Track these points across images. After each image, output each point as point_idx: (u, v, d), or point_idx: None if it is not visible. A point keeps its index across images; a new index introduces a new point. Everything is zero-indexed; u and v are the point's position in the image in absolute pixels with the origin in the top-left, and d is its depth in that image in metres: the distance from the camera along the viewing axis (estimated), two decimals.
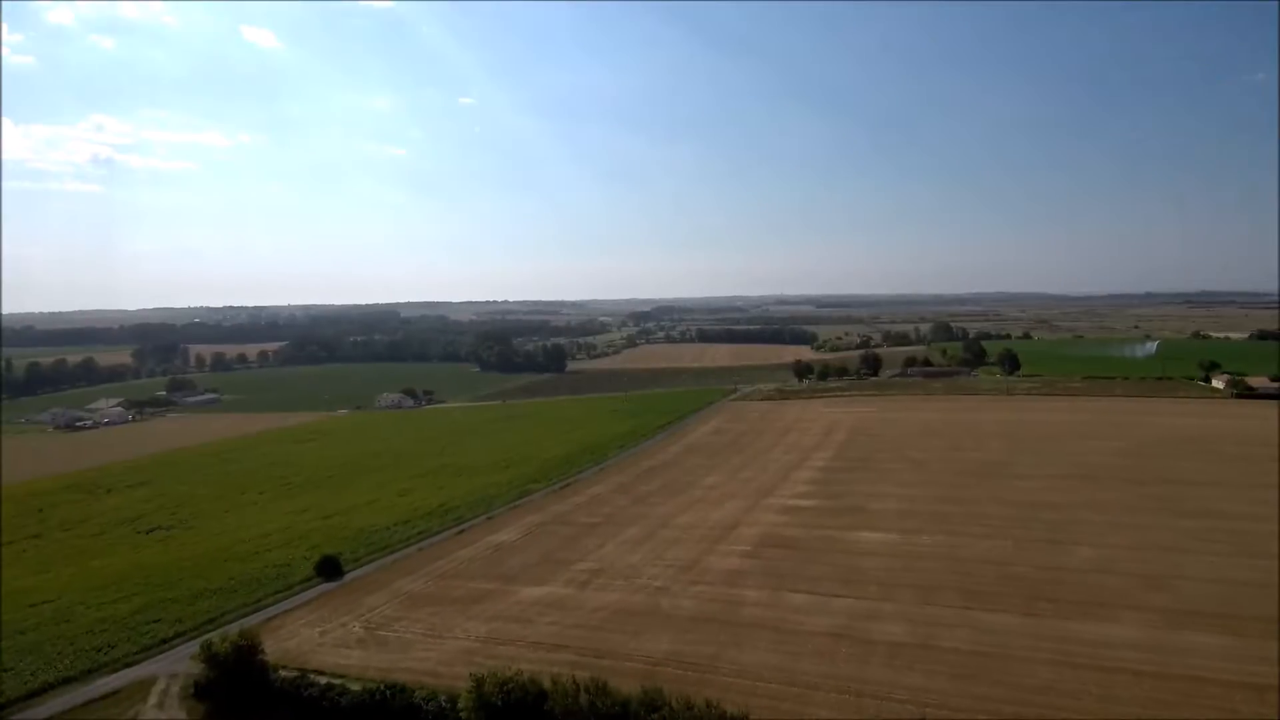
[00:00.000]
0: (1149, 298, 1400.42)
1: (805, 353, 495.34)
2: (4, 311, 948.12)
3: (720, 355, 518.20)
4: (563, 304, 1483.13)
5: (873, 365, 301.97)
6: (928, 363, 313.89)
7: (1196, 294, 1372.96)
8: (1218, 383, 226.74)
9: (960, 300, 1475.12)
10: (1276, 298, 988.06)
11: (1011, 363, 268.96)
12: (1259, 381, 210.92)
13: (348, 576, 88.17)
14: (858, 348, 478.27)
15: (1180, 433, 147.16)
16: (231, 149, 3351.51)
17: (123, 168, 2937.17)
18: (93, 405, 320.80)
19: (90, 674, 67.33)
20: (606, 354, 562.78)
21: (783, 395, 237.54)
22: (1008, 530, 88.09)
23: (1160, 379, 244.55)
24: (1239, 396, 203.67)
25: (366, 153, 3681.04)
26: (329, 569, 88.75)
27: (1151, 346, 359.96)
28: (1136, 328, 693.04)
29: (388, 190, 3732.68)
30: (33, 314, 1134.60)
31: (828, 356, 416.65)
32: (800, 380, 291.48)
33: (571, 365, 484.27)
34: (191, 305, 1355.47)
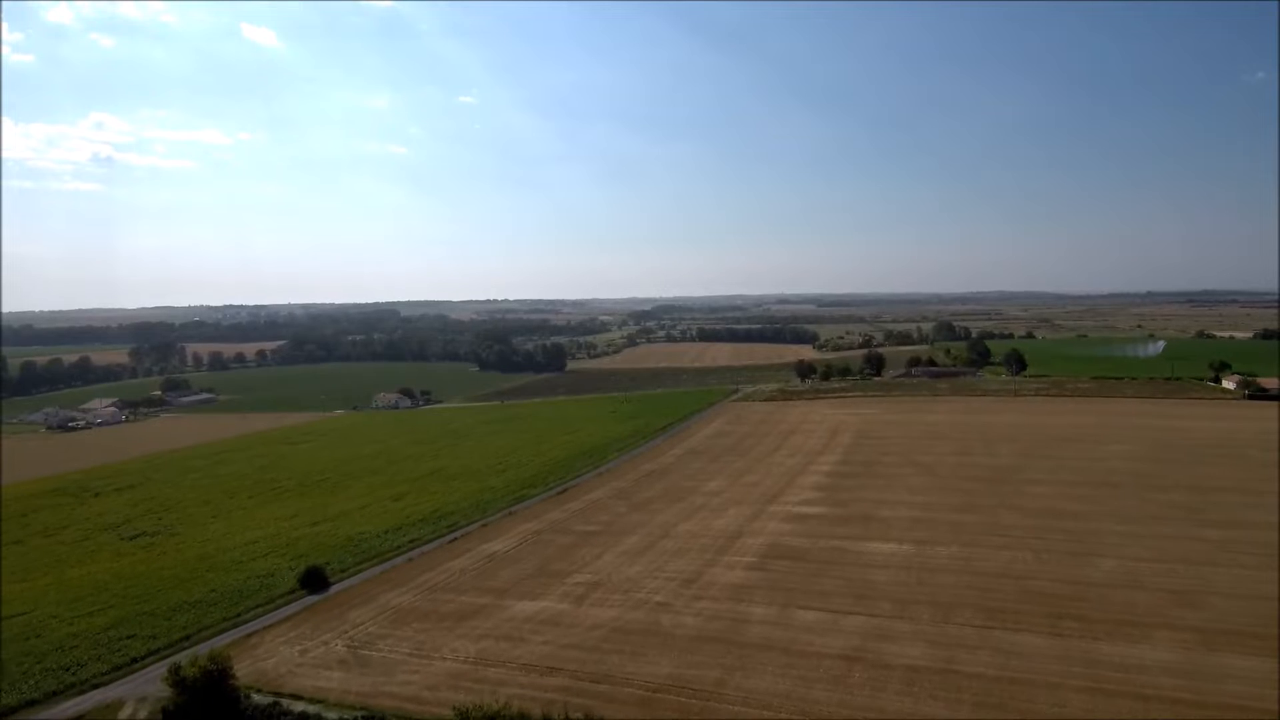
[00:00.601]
0: (1150, 296, 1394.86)
1: (807, 352, 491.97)
2: (4, 310, 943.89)
3: (721, 354, 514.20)
4: (563, 302, 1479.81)
5: (876, 365, 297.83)
6: (932, 363, 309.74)
7: (1198, 293, 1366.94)
8: (1229, 383, 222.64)
9: (961, 299, 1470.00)
10: (1277, 296, 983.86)
11: (1017, 363, 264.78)
12: (1271, 383, 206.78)
13: (333, 588, 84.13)
14: (860, 347, 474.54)
15: (1196, 436, 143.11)
16: (232, 147, 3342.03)
17: (123, 166, 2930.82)
18: (86, 405, 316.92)
19: (54, 696, 63.24)
20: (606, 353, 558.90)
21: (785, 396, 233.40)
22: (1026, 541, 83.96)
23: (1169, 379, 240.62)
24: (1251, 398, 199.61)
25: (366, 151, 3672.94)
26: (314, 580, 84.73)
27: (1158, 346, 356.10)
28: (1140, 327, 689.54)
29: (388, 188, 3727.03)
30: (32, 313, 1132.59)
31: (830, 356, 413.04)
32: (803, 380, 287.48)
33: (571, 365, 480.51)
34: (191, 304, 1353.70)
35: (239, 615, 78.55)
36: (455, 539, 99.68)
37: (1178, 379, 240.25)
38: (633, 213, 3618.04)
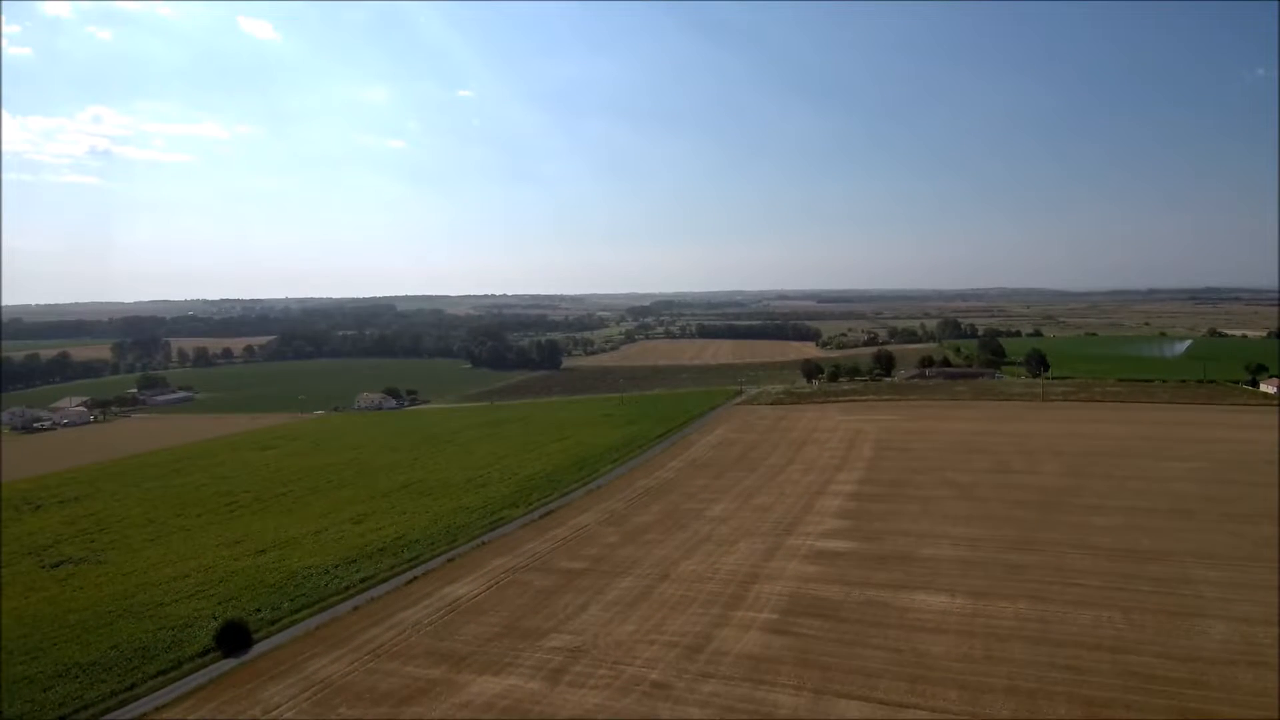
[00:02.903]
0: (1151, 294, 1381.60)
1: (809, 349, 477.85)
2: (3, 304, 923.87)
3: (722, 352, 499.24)
4: (561, 298, 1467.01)
5: (886, 365, 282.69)
6: (946, 363, 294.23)
7: (1200, 290, 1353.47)
8: (1267, 387, 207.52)
9: (962, 295, 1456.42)
10: (1278, 294, 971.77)
11: (1039, 364, 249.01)
12: None
13: (256, 648, 68.45)
14: (865, 345, 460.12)
15: (1258, 450, 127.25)
16: (230, 141, 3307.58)
17: (120, 159, 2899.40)
18: (56, 404, 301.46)
19: None
20: (604, 350, 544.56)
21: (793, 398, 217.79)
22: (1107, 594, 68.29)
23: (1201, 382, 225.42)
24: None
25: (364, 145, 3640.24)
26: (233, 638, 69.05)
27: (1181, 346, 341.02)
28: (1147, 324, 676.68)
29: (386, 182, 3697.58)
30: (28, 306, 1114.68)
31: (836, 354, 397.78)
32: (810, 381, 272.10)
33: (567, 362, 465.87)
34: (188, 298, 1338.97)
35: (133, 687, 62.86)
36: (414, 578, 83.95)
37: (1211, 382, 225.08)
38: (632, 207, 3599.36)
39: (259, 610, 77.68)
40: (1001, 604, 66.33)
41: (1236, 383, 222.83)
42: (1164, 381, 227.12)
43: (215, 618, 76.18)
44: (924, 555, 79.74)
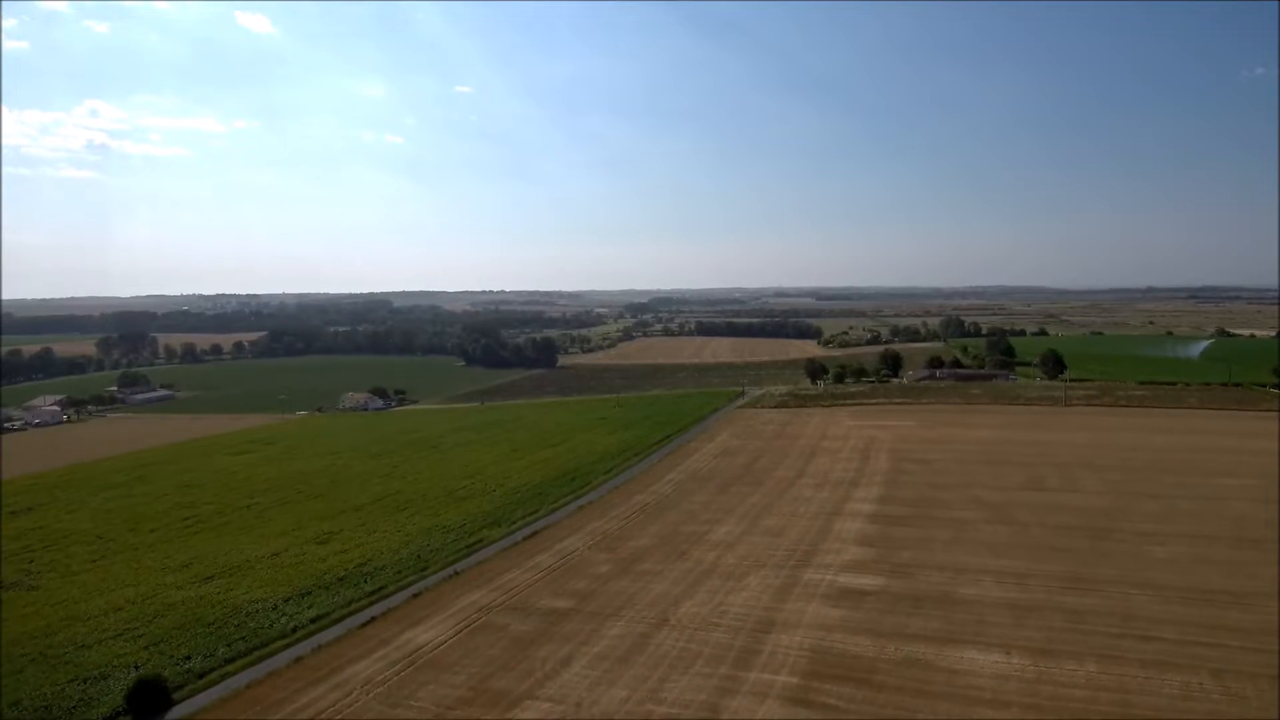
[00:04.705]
0: (1150, 292, 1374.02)
1: (810, 347, 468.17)
2: (3, 298, 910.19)
3: (721, 350, 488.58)
4: (559, 294, 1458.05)
5: (894, 365, 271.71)
6: (956, 363, 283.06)
7: (1199, 288, 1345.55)
8: None
9: (961, 294, 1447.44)
10: (1278, 293, 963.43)
11: (1055, 364, 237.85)
12: None
13: (172, 713, 57.36)
14: (869, 344, 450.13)
15: None
16: (227, 135, 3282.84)
17: (118, 154, 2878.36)
18: (30, 403, 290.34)
19: None
20: (601, 348, 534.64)
21: (798, 401, 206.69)
22: (1191, 650, 57.22)
23: (1226, 385, 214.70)
24: None
25: (363, 140, 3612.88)
26: (147, 699, 57.91)
27: (1200, 346, 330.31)
28: (1151, 323, 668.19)
29: (384, 178, 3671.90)
30: (25, 301, 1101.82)
31: (838, 353, 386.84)
32: (814, 382, 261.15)
33: (564, 360, 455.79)
34: (185, 293, 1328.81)
35: None
36: (373, 618, 72.70)
37: (1237, 385, 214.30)
38: (630, 204, 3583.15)
39: (189, 658, 66.60)
40: (1069, 666, 55.14)
41: (1264, 386, 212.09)
42: (1188, 385, 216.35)
43: (137, 667, 65.32)
44: (966, 596, 68.51)
